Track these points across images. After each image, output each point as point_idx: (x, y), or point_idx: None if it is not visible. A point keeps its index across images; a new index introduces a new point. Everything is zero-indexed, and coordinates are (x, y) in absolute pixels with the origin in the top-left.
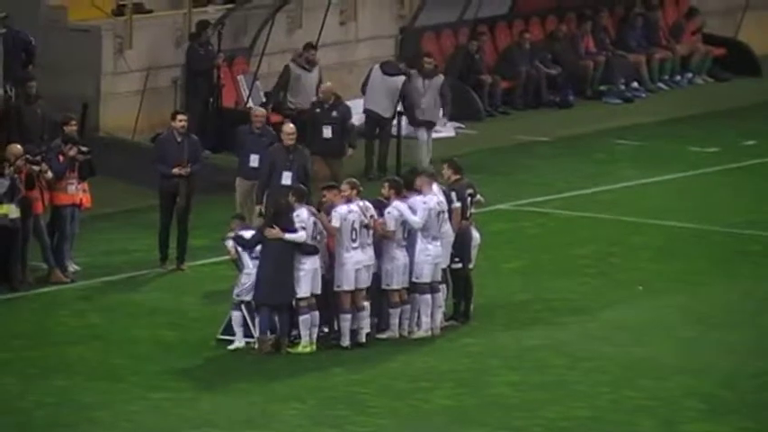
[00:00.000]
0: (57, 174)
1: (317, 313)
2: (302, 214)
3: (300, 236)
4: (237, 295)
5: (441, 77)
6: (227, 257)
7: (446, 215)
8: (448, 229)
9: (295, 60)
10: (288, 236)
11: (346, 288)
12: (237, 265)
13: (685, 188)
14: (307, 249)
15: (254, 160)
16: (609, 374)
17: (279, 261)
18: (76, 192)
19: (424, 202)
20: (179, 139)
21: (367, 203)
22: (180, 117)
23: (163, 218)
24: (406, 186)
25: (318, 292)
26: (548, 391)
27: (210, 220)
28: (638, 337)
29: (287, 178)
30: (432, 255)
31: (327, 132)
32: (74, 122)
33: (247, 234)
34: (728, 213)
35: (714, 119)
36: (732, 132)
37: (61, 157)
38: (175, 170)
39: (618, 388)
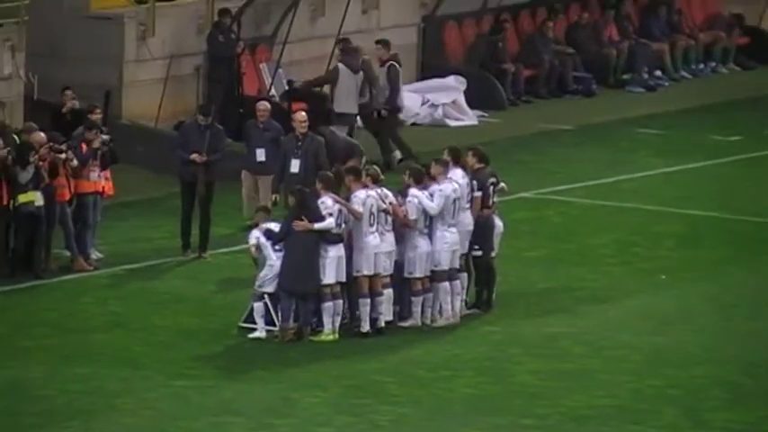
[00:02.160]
0: (81, 162)
1: (340, 302)
2: (327, 201)
3: (329, 223)
4: (259, 286)
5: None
6: (248, 247)
7: (462, 202)
8: (466, 217)
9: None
10: (317, 225)
11: (365, 273)
12: (256, 261)
13: (708, 177)
14: (331, 238)
15: (260, 154)
16: (631, 363)
17: (304, 250)
18: (99, 179)
19: (440, 190)
20: (202, 128)
21: (385, 190)
22: (201, 118)
23: (184, 205)
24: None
25: (343, 279)
26: (570, 380)
27: (232, 208)
28: (661, 326)
29: (295, 166)
30: (449, 242)
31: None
32: (98, 110)
33: (275, 226)
34: (751, 202)
35: (737, 108)
36: (755, 121)
37: (84, 146)
38: (193, 156)
39: (641, 377)
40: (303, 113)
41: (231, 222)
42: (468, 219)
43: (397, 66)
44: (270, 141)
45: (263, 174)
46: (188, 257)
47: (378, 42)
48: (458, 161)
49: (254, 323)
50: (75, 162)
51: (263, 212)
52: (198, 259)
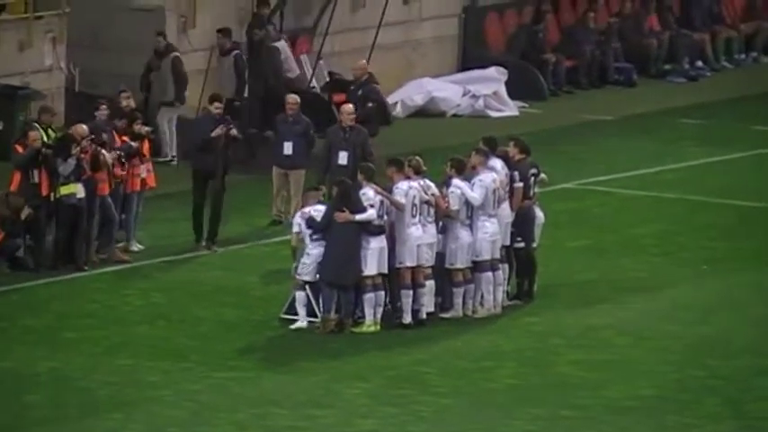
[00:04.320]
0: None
1: (382, 293)
2: (368, 192)
3: (370, 214)
4: (299, 275)
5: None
6: (289, 237)
7: (501, 193)
8: (505, 208)
9: None
10: (358, 217)
11: (408, 264)
12: (294, 252)
13: (750, 167)
14: (373, 229)
15: (287, 147)
16: (674, 353)
17: (346, 241)
18: (141, 171)
19: (480, 180)
20: (216, 119)
21: (428, 182)
22: (216, 104)
23: (196, 198)
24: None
25: (385, 271)
26: (611, 371)
27: (271, 198)
28: (703, 317)
29: (343, 158)
30: (489, 232)
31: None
32: (103, 107)
33: (318, 215)
34: None
35: None
36: None
37: (122, 139)
38: (216, 131)
39: (683, 367)
40: (351, 106)
41: (269, 213)
42: (506, 209)
43: (242, 56)
44: (299, 135)
45: (291, 168)
46: (200, 250)
47: (218, 31)
48: (494, 151)
49: (296, 314)
50: (113, 154)
51: (314, 191)
52: (208, 251)
